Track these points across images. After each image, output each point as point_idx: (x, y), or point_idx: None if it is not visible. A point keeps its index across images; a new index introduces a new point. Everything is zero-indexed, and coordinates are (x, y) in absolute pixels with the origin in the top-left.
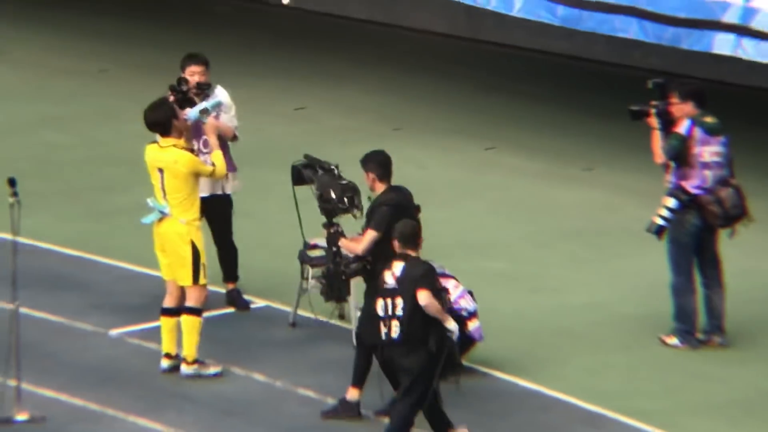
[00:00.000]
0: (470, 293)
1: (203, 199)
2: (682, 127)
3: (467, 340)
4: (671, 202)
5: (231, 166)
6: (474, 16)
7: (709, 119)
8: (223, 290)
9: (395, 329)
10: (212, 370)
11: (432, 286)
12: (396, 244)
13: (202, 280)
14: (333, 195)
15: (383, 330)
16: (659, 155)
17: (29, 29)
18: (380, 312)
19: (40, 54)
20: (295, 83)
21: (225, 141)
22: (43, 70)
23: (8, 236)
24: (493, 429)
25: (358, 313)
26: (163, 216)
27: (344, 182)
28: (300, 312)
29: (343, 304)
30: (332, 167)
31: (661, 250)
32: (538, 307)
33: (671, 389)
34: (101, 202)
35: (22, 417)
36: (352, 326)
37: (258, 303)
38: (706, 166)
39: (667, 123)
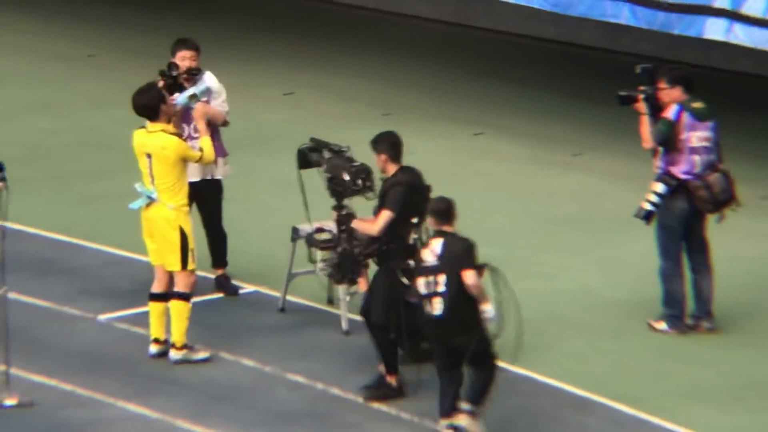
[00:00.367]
0: None
1: (193, 184)
2: (671, 112)
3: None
4: (660, 187)
5: (221, 151)
6: (463, 2)
7: (697, 104)
8: (211, 275)
9: (438, 306)
10: (201, 355)
11: (475, 265)
12: (431, 221)
13: (190, 266)
14: (346, 177)
15: (426, 308)
16: (648, 140)
17: (17, 14)
18: (423, 290)
19: (29, 39)
20: (284, 68)
21: (215, 126)
22: (32, 55)
23: None
24: (483, 414)
25: (348, 299)
26: (151, 201)
27: (356, 164)
28: (289, 297)
29: (345, 287)
30: (343, 149)
31: (649, 236)
32: (527, 293)
33: (660, 374)
34: (90, 187)
35: (10, 402)
36: (341, 312)
37: (247, 288)
38: (694, 151)
39: (656, 108)
